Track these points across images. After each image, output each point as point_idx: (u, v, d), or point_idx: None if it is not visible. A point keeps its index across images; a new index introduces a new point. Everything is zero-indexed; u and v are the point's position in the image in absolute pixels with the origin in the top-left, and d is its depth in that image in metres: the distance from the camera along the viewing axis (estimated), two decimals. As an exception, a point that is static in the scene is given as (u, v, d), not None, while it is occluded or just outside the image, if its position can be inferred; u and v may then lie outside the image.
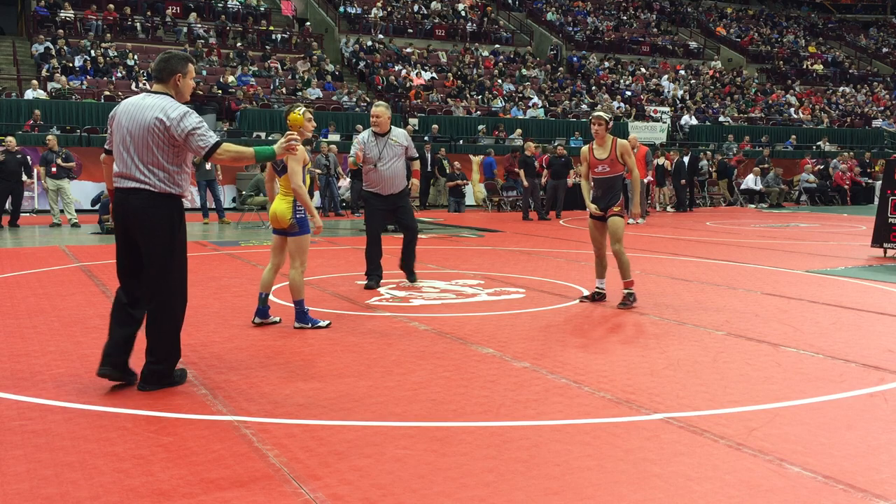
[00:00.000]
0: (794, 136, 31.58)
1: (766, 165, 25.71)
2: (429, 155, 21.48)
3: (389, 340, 6.34)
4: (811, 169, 26.08)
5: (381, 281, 8.94)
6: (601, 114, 7.92)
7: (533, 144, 20.24)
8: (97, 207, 15.62)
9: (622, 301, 7.86)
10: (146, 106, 4.88)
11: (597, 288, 8.18)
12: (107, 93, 22.94)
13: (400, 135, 8.79)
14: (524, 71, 33.03)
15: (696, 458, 3.89)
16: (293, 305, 6.83)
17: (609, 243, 7.98)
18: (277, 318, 6.99)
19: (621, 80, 34.29)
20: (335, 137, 22.69)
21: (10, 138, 16.59)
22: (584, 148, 8.10)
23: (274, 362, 5.64)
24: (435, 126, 25.07)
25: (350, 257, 11.52)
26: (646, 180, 19.19)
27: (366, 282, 8.87)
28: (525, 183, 19.25)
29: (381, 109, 8.75)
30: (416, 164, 9.26)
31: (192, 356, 5.76)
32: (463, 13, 36.33)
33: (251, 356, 5.80)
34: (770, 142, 30.02)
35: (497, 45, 35.22)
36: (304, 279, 6.79)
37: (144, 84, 24.35)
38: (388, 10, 34.68)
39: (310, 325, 6.72)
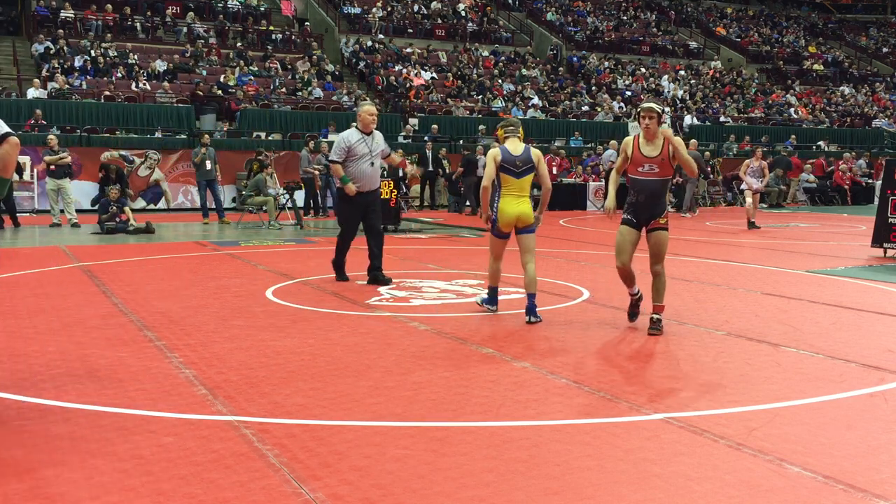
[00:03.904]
0: (794, 136, 31.56)
1: (780, 169, 25.48)
2: (430, 153, 21.56)
3: (389, 340, 6.34)
4: (810, 170, 26.02)
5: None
6: (652, 105, 6.48)
7: (479, 147, 21.33)
8: (97, 207, 15.60)
9: (652, 326, 6.68)
10: None
11: (632, 294, 7.02)
12: (107, 93, 22.93)
13: (379, 135, 9.19)
14: (524, 71, 33.01)
15: (696, 458, 3.89)
16: (529, 299, 7.13)
17: (650, 261, 6.71)
18: (539, 318, 7.11)
19: (621, 80, 34.28)
20: (335, 137, 22.67)
21: None
22: (629, 139, 6.72)
23: (274, 362, 5.64)
24: (435, 126, 25.07)
25: (349, 258, 11.49)
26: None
27: (337, 276, 9.25)
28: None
29: (375, 108, 9.26)
30: (395, 156, 9.94)
31: (192, 356, 5.76)
32: (463, 13, 36.30)
33: (251, 356, 5.80)
34: (770, 142, 30.00)
35: (497, 45, 35.19)
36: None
37: (144, 84, 24.35)
38: (388, 10, 34.66)
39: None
